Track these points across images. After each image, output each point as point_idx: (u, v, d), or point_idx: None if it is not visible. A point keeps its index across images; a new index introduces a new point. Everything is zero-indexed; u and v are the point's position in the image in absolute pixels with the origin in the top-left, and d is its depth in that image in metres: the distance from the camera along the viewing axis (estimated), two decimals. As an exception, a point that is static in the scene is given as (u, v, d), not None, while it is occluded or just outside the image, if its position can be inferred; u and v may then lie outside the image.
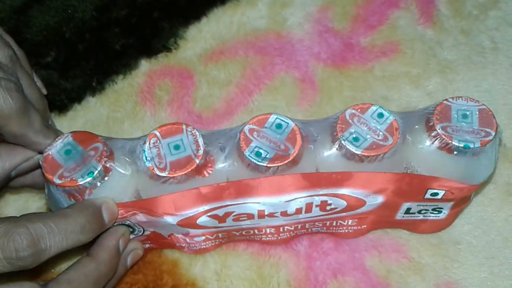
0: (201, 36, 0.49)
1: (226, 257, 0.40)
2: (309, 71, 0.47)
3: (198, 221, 0.34)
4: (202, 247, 0.39)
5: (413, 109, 0.44)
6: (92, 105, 0.47)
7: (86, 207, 0.32)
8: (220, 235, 0.38)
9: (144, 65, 0.48)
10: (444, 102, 0.33)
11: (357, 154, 0.32)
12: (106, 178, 0.32)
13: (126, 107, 0.46)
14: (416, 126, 0.33)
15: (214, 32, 0.49)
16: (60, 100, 0.47)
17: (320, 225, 0.38)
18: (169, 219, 0.34)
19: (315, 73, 0.47)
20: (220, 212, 0.34)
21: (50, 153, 0.33)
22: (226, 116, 0.45)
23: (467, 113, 0.33)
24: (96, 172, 0.32)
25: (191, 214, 0.33)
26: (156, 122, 0.46)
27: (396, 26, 0.49)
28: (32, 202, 0.43)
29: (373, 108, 0.33)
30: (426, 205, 0.36)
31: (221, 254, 0.40)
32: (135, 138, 0.35)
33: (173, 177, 0.32)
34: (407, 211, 0.37)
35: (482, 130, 0.32)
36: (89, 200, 0.33)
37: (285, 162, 0.32)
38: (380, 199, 0.34)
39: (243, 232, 0.38)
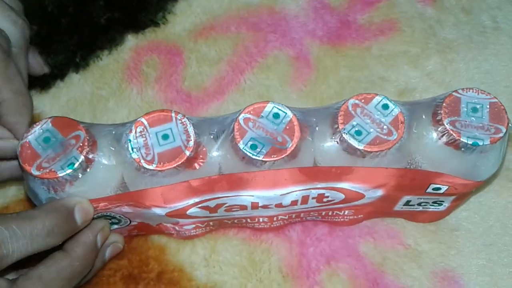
0: (190, 11, 0.47)
1: (215, 242, 0.39)
2: (304, 49, 0.45)
3: (188, 212, 0.32)
4: (192, 234, 0.37)
5: (413, 90, 0.43)
6: (75, 82, 0.44)
7: (55, 209, 0.30)
8: (211, 223, 0.36)
9: (131, 40, 0.46)
10: (454, 93, 0.31)
11: (359, 149, 0.30)
12: (88, 170, 0.30)
13: (111, 85, 0.44)
14: (423, 118, 0.31)
15: (205, 6, 0.47)
16: (42, 76, 0.44)
17: (316, 214, 0.36)
18: (158, 211, 0.32)
19: (310, 51, 0.45)
20: (212, 204, 0.32)
21: (28, 140, 0.30)
22: (217, 95, 0.44)
23: (477, 106, 0.31)
24: (77, 163, 0.29)
25: (180, 207, 0.32)
26: (143, 100, 0.44)
27: (395, 3, 0.47)
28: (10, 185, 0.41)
29: (378, 98, 0.31)
30: (427, 198, 0.34)
31: (210, 239, 0.39)
32: (120, 124, 0.32)
33: (161, 170, 0.29)
34: (407, 203, 0.35)
35: (492, 126, 0.30)
36: (61, 200, 0.30)
37: (282, 156, 0.29)
38: (379, 192, 0.33)
39: (235, 221, 0.36)
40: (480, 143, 0.30)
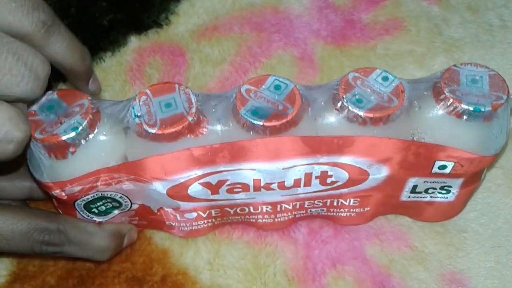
0: (193, 11, 0.46)
1: (219, 245, 0.38)
2: (308, 49, 0.45)
3: (189, 191, 0.32)
4: (193, 227, 0.37)
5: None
6: (78, 84, 0.44)
7: (112, 233, 0.35)
8: (213, 212, 0.36)
9: (134, 41, 0.46)
10: (452, 67, 0.32)
11: (360, 116, 0.30)
12: (90, 136, 0.30)
13: (114, 86, 0.44)
14: (424, 93, 0.32)
15: (208, 6, 0.46)
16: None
17: (320, 204, 0.36)
18: (159, 186, 0.32)
19: (315, 51, 0.45)
20: (213, 180, 0.32)
21: (32, 109, 0.31)
22: (220, 96, 0.43)
23: (477, 77, 0.31)
24: (80, 127, 0.30)
25: (182, 180, 0.32)
26: (146, 102, 0.43)
27: (400, 2, 0.46)
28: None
29: (378, 71, 0.32)
30: (434, 182, 0.34)
31: (214, 242, 0.38)
32: (124, 100, 0.33)
33: (163, 133, 0.30)
34: (413, 189, 0.35)
35: (493, 94, 0.30)
36: (117, 226, 0.36)
37: (283, 121, 0.30)
38: (384, 171, 0.32)
39: (238, 210, 0.36)
40: (482, 108, 0.30)
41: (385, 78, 0.31)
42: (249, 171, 0.32)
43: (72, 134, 0.30)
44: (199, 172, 0.31)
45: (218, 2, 0.47)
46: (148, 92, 0.31)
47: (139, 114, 0.30)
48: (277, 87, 0.31)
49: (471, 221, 0.39)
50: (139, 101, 0.31)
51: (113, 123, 0.31)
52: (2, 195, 0.35)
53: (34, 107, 0.31)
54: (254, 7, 0.46)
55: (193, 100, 0.31)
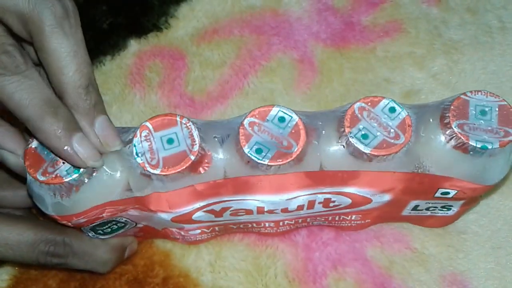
0: (193, 15, 0.46)
1: (220, 247, 0.38)
2: (308, 52, 0.45)
3: (193, 217, 0.32)
4: (197, 239, 0.37)
5: (418, 92, 0.43)
6: (79, 87, 0.44)
7: (115, 247, 0.36)
8: (216, 228, 0.36)
9: (133, 45, 0.46)
10: (462, 96, 0.31)
11: (365, 153, 0.29)
12: (94, 174, 0.30)
13: (114, 90, 0.44)
14: (431, 122, 0.31)
15: (207, 10, 0.47)
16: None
17: (322, 219, 0.36)
18: (163, 215, 0.32)
19: (314, 53, 0.45)
20: (217, 207, 0.32)
21: (33, 146, 0.30)
22: (220, 99, 0.43)
23: (486, 109, 0.30)
24: (82, 168, 0.29)
25: (186, 211, 0.31)
26: (146, 105, 0.43)
27: (399, 4, 0.46)
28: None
29: (385, 101, 0.31)
30: (435, 203, 0.34)
31: (216, 245, 0.38)
32: (124, 128, 0.32)
33: (166, 175, 0.29)
34: (415, 208, 0.35)
35: (501, 129, 0.30)
36: (120, 240, 0.36)
37: (288, 160, 0.29)
38: (387, 197, 0.32)
39: (241, 226, 0.36)
40: (489, 146, 0.29)
41: (392, 110, 0.30)
42: (253, 201, 0.31)
43: (75, 175, 0.29)
44: (202, 203, 0.31)
45: (218, 5, 0.47)
46: (149, 126, 0.30)
47: (140, 152, 0.29)
48: (281, 119, 0.30)
49: (471, 222, 0.39)
50: (141, 136, 0.30)
51: (116, 158, 0.31)
52: (4, 204, 0.35)
53: (34, 144, 0.30)
54: (253, 10, 0.46)
55: (195, 136, 0.30)
